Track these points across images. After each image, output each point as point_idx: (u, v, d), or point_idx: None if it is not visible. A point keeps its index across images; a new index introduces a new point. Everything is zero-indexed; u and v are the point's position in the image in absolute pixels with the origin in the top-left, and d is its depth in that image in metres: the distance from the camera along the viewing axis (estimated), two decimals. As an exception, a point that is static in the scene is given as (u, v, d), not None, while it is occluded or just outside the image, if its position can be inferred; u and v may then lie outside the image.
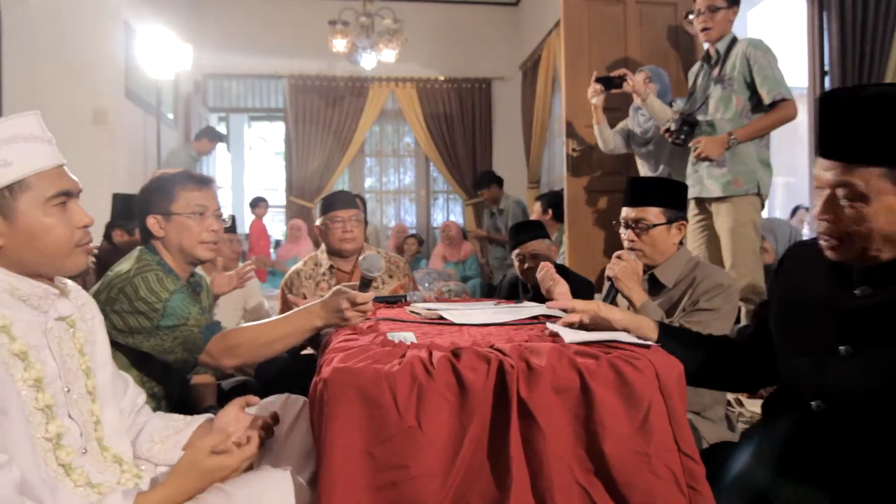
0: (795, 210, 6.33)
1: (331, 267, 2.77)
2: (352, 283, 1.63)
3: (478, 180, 6.28)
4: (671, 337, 1.46)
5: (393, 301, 2.32)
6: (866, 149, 1.05)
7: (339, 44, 5.91)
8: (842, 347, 1.14)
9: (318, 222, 2.82)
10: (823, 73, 4.64)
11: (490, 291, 5.63)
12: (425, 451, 1.10)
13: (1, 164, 1.08)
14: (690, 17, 3.76)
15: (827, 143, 1.11)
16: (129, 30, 4.52)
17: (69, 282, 1.28)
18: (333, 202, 2.77)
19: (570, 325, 1.43)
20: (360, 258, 1.62)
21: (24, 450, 1.03)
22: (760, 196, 3.09)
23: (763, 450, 1.34)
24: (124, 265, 1.74)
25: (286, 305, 2.62)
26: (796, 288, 1.29)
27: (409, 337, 1.42)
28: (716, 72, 3.15)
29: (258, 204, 6.93)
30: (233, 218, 3.08)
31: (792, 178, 6.29)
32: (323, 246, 2.84)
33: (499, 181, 6.23)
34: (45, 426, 1.11)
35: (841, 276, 1.20)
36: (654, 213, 2.12)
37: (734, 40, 3.12)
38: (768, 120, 3.02)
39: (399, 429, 1.10)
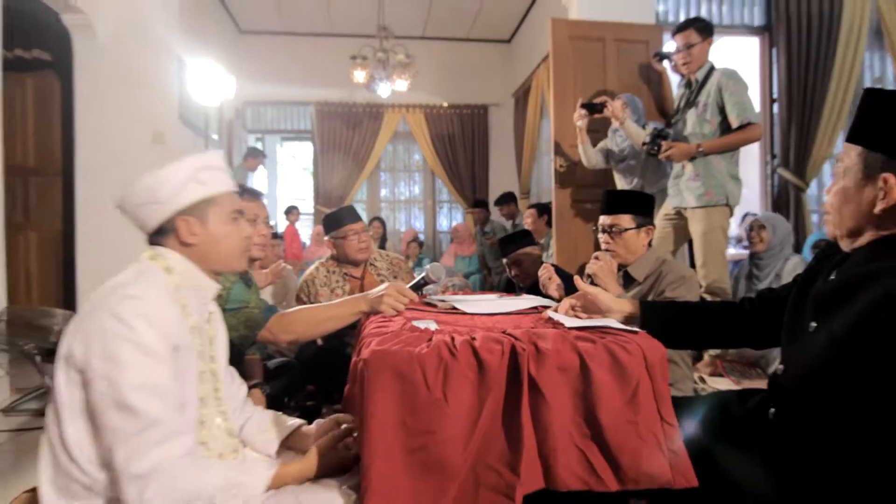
0: (744, 216, 6.39)
1: (344, 274, 2.72)
2: (410, 283, 1.71)
3: (499, 198, 6.37)
4: (655, 309, 1.48)
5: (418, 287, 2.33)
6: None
7: (360, 75, 5.91)
8: (812, 324, 1.14)
9: (328, 237, 2.71)
10: (773, 100, 4.67)
11: (488, 288, 5.67)
12: (450, 419, 1.12)
13: (200, 183, 1.19)
14: (657, 57, 3.83)
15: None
16: (182, 64, 4.53)
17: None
18: (342, 218, 2.67)
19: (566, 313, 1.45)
20: (427, 266, 1.64)
21: (192, 402, 1.14)
22: (729, 206, 3.11)
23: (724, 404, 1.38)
24: None
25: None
26: (808, 278, 1.26)
27: (431, 324, 1.43)
28: (693, 97, 3.16)
29: (291, 211, 6.94)
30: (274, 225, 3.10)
31: (746, 190, 6.33)
32: (330, 255, 2.76)
33: (515, 200, 6.36)
34: (204, 383, 1.21)
35: (828, 266, 1.20)
36: (626, 220, 2.16)
37: (712, 69, 3.11)
38: (734, 138, 3.01)
39: (428, 401, 1.12)
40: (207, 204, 1.20)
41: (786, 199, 4.55)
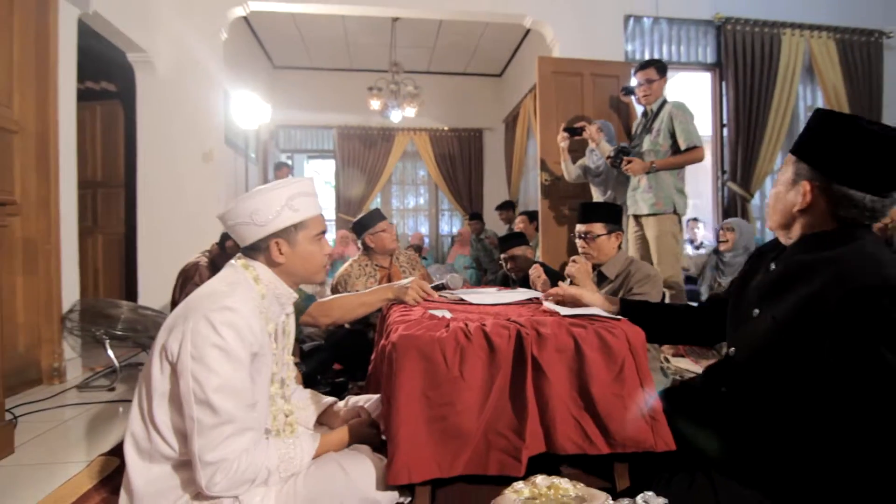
0: (690, 220, 6.45)
1: (376, 265, 2.73)
2: (432, 284, 1.74)
3: (501, 204, 6.33)
4: (632, 306, 1.47)
5: (438, 288, 2.31)
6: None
7: (375, 104, 5.90)
8: (755, 311, 1.13)
9: (365, 234, 2.69)
10: (723, 125, 4.66)
11: (480, 282, 5.67)
12: (466, 393, 1.12)
13: (293, 210, 1.17)
14: (623, 92, 3.86)
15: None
16: (227, 94, 4.52)
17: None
18: (376, 219, 2.70)
19: (558, 303, 1.44)
20: (448, 276, 1.63)
21: (263, 399, 1.14)
22: (677, 214, 3.12)
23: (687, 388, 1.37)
24: None
25: None
26: (748, 274, 1.27)
27: (446, 313, 1.43)
28: (650, 123, 3.18)
29: None
30: None
31: (697, 200, 6.38)
32: (361, 253, 2.76)
33: (514, 207, 6.33)
34: (274, 384, 1.20)
35: (766, 261, 1.20)
36: (598, 227, 2.16)
37: (664, 102, 3.15)
38: (681, 158, 3.05)
39: (447, 378, 1.12)
40: (297, 228, 1.19)
41: (734, 208, 4.54)
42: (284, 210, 1.16)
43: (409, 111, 6.03)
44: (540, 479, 0.98)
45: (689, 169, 3.37)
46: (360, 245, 2.76)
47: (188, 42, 3.92)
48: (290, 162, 8.57)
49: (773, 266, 1.15)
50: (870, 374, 0.89)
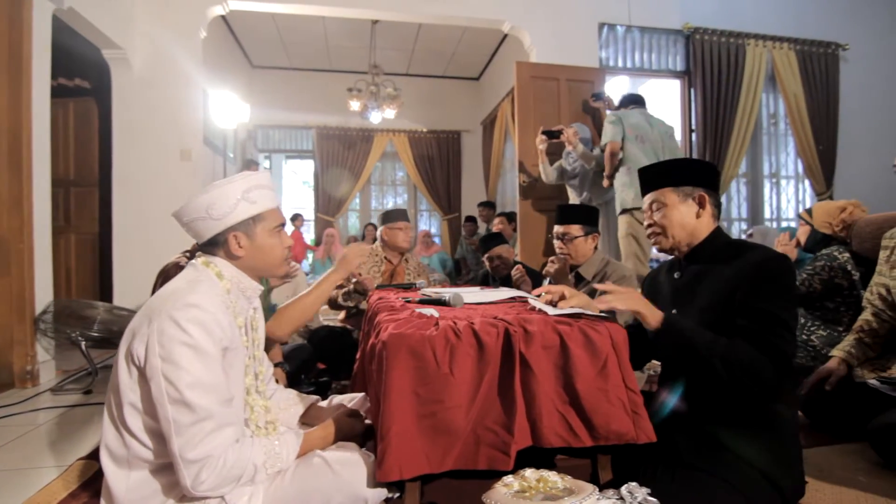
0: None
1: (385, 258, 2.74)
2: (430, 299, 1.65)
3: (484, 203, 6.37)
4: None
5: (406, 287, 2.32)
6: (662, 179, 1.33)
7: (355, 104, 5.85)
8: (673, 311, 1.27)
9: (382, 228, 2.74)
10: (692, 130, 4.78)
11: (462, 283, 5.67)
12: (455, 390, 1.12)
13: (250, 202, 1.15)
14: (593, 97, 3.99)
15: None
16: (205, 94, 4.41)
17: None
18: (398, 216, 2.74)
19: (549, 303, 1.45)
20: (450, 294, 1.61)
21: (239, 392, 1.13)
22: (630, 211, 3.29)
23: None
24: None
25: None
26: (658, 284, 1.45)
27: (433, 312, 1.43)
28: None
29: (297, 218, 6.80)
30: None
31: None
32: (379, 242, 2.78)
33: (494, 207, 6.36)
34: (248, 376, 1.19)
35: (674, 268, 1.39)
36: (575, 229, 2.18)
37: None
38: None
39: (437, 374, 1.11)
40: (255, 220, 1.17)
41: (702, 210, 4.67)
42: (241, 203, 1.13)
43: (389, 113, 6.00)
44: (529, 473, 0.99)
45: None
46: (377, 235, 2.81)
47: (166, 40, 3.82)
48: (259, 161, 8.44)
49: (676, 275, 1.36)
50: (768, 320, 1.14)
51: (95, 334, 2.64)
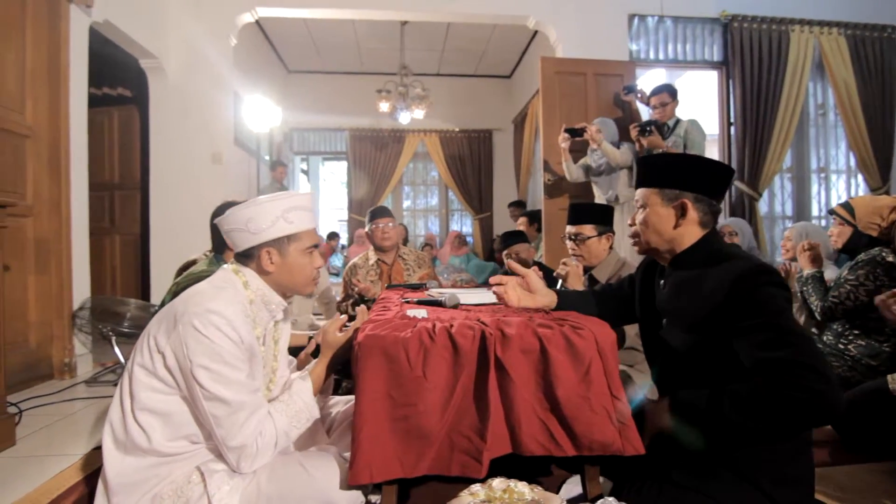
0: None
1: (378, 260, 2.74)
2: (424, 300, 1.63)
3: (514, 202, 6.44)
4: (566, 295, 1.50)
5: (416, 287, 2.30)
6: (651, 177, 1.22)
7: (384, 106, 5.89)
8: (664, 320, 1.20)
9: (366, 228, 2.78)
10: (730, 124, 4.54)
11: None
12: (429, 393, 1.09)
13: (288, 222, 1.18)
14: (625, 90, 3.84)
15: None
16: (238, 97, 4.56)
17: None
18: (375, 214, 2.76)
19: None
20: (447, 295, 1.59)
21: (262, 384, 1.18)
22: None
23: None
24: None
25: (347, 286, 2.71)
26: (643, 291, 1.36)
27: (422, 313, 1.40)
28: (665, 139, 3.34)
29: (333, 237, 7.00)
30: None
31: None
32: (371, 246, 2.80)
33: (524, 205, 6.39)
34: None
35: (658, 275, 1.30)
36: (588, 229, 2.09)
37: (678, 121, 3.36)
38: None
39: (410, 377, 1.10)
40: (290, 239, 1.20)
41: (741, 207, 4.42)
42: (279, 221, 1.17)
43: (418, 113, 6.01)
44: (496, 483, 0.95)
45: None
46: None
47: (197, 47, 3.96)
48: (306, 165, 8.66)
49: (661, 283, 1.26)
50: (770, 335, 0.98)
51: (126, 330, 2.77)
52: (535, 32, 5.50)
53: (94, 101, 4.13)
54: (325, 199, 10.16)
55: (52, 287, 2.72)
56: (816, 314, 2.19)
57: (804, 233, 2.86)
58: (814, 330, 2.37)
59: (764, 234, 4.42)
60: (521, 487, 0.93)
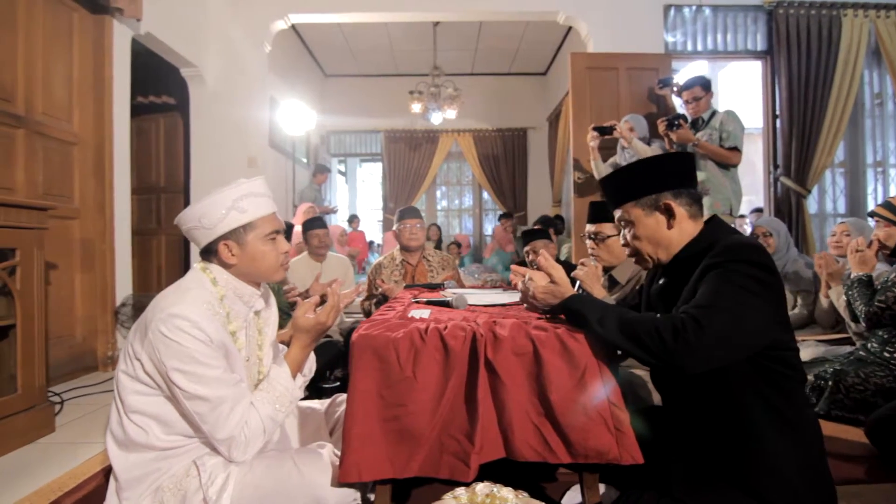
0: (752, 210, 6.09)
1: (402, 260, 2.74)
2: (437, 300, 1.62)
3: (504, 214, 6.41)
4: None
5: (433, 287, 2.29)
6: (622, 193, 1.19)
7: (416, 106, 5.94)
8: (658, 316, 1.09)
9: (394, 227, 2.78)
10: (775, 117, 4.29)
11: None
12: (419, 394, 1.08)
13: (240, 211, 1.17)
14: (660, 84, 3.67)
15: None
16: (274, 102, 4.70)
17: (264, 286, 1.33)
18: (404, 214, 2.76)
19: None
20: (456, 296, 1.58)
21: (243, 377, 1.17)
22: (732, 216, 3.09)
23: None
24: None
25: (371, 286, 2.72)
26: (649, 284, 1.31)
27: (425, 313, 1.39)
28: (698, 132, 3.14)
29: (353, 220, 7.17)
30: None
31: (753, 197, 5.95)
32: (398, 246, 2.80)
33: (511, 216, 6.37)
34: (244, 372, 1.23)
35: (656, 274, 1.26)
36: (608, 227, 2.00)
37: (714, 112, 3.16)
38: (720, 151, 3.03)
39: (400, 378, 1.09)
40: (246, 229, 1.18)
41: (787, 205, 4.16)
42: (231, 212, 1.15)
43: (450, 113, 6.01)
44: (480, 487, 0.92)
45: (744, 165, 3.31)
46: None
47: (234, 55, 4.11)
48: (344, 167, 8.83)
49: (660, 281, 1.23)
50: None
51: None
52: (570, 28, 5.39)
53: (141, 109, 4.39)
54: (363, 199, 10.32)
55: (96, 284, 2.89)
56: (861, 319, 2.03)
57: (860, 228, 2.66)
58: (854, 333, 2.20)
59: (812, 233, 4.14)
60: (506, 493, 0.90)
